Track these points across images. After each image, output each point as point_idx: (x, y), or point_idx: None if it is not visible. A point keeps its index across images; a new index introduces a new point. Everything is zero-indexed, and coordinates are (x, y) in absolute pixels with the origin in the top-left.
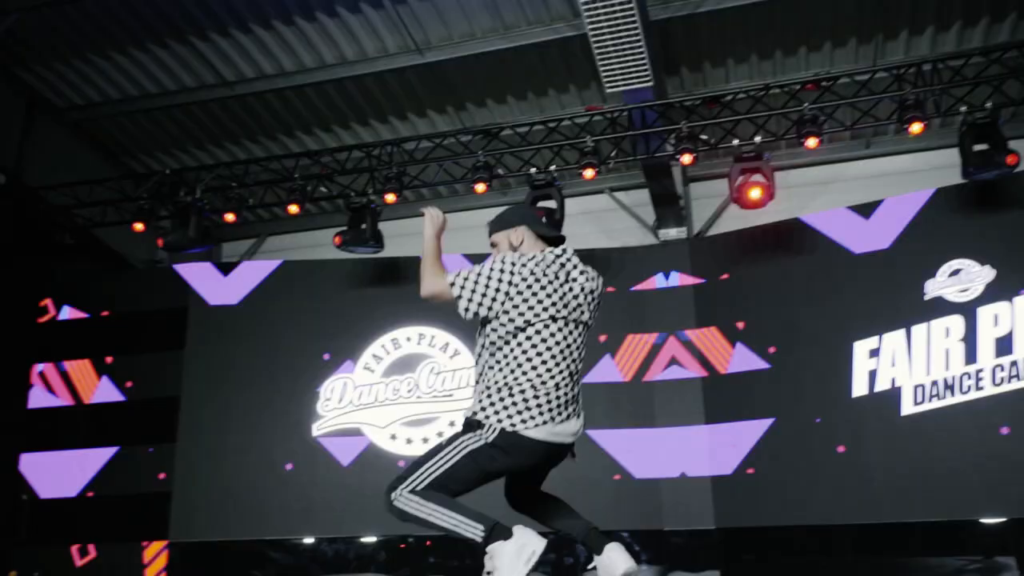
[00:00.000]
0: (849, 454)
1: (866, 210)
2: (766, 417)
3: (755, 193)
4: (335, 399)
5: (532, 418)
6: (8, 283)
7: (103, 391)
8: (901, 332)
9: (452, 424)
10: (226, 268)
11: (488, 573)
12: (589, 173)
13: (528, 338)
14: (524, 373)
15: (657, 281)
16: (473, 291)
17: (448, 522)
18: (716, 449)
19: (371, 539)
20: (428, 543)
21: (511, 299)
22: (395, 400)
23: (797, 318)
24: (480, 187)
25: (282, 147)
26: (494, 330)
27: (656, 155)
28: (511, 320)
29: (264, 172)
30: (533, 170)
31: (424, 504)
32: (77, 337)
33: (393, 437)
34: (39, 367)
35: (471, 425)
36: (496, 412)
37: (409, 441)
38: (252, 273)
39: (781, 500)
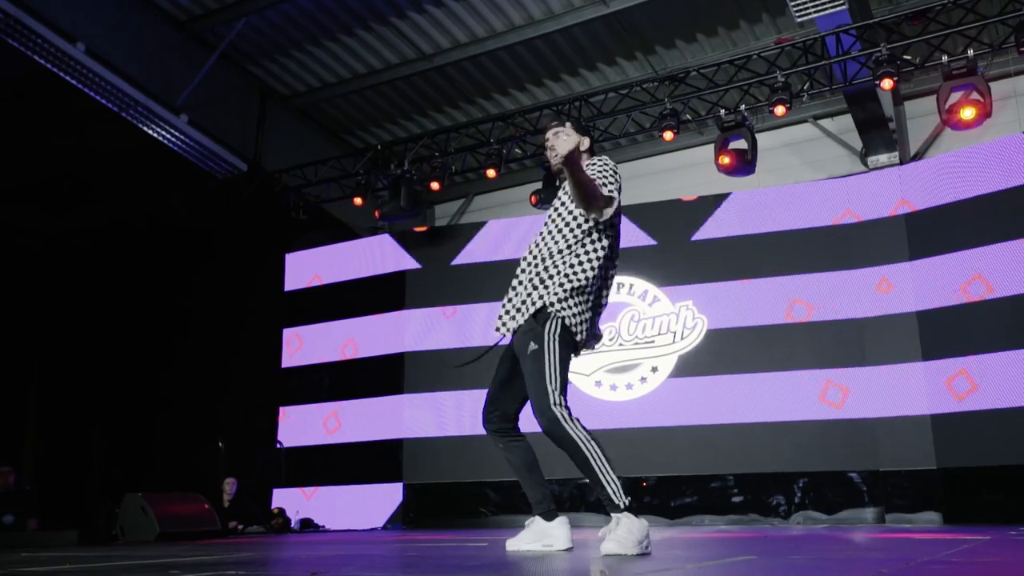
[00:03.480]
0: None
1: None
2: (983, 352)
3: (968, 113)
4: None
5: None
6: (256, 258)
7: (337, 351)
8: None
9: (655, 370)
10: (437, 231)
11: (610, 529)
12: (780, 110)
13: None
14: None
15: (868, 212)
16: (619, 190)
17: (598, 464)
18: (934, 387)
19: (587, 480)
20: (644, 483)
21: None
22: (598, 348)
23: None
24: (668, 135)
25: (481, 110)
26: (595, 228)
27: (854, 83)
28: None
29: (464, 138)
30: (722, 112)
31: (579, 431)
32: (315, 303)
33: (598, 384)
34: (288, 331)
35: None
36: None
37: (613, 387)
38: (460, 234)
39: (1004, 438)
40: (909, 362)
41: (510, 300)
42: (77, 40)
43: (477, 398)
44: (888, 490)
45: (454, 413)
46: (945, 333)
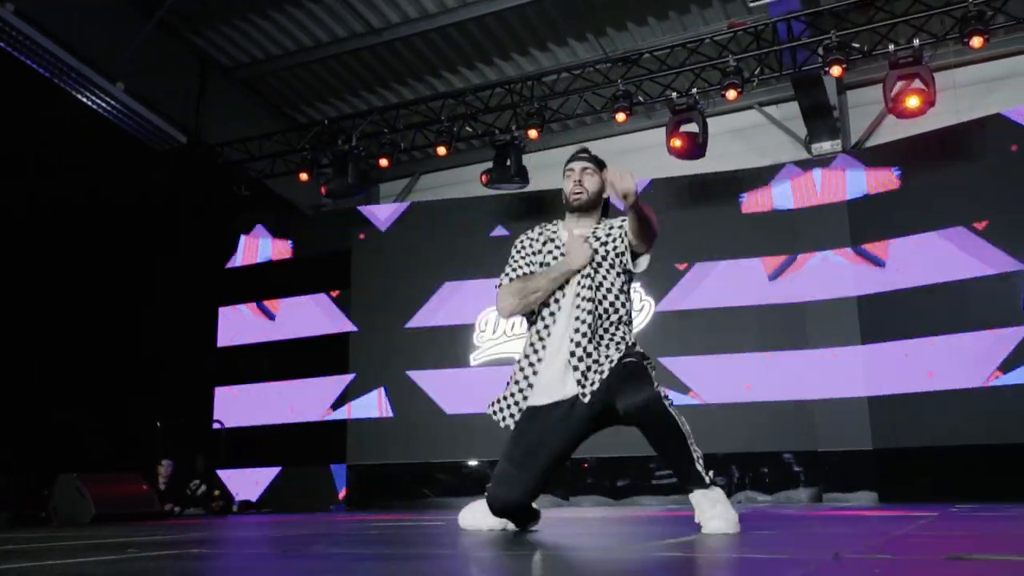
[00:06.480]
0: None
1: None
2: (926, 335)
3: (913, 101)
4: (488, 330)
5: None
6: (195, 235)
7: (282, 329)
8: None
9: None
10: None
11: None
12: (732, 94)
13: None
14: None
15: (811, 199)
16: None
17: (689, 444)
18: (872, 370)
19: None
20: (585, 465)
21: None
22: None
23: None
24: (620, 116)
25: (429, 88)
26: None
27: (803, 68)
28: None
29: (413, 115)
30: (674, 95)
31: (676, 411)
32: (255, 281)
33: None
34: (224, 309)
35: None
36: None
37: None
38: (408, 214)
39: (935, 420)
40: (849, 346)
41: (590, 367)
42: (6, 0)
43: (423, 379)
44: (826, 470)
45: (399, 395)
46: (884, 318)
